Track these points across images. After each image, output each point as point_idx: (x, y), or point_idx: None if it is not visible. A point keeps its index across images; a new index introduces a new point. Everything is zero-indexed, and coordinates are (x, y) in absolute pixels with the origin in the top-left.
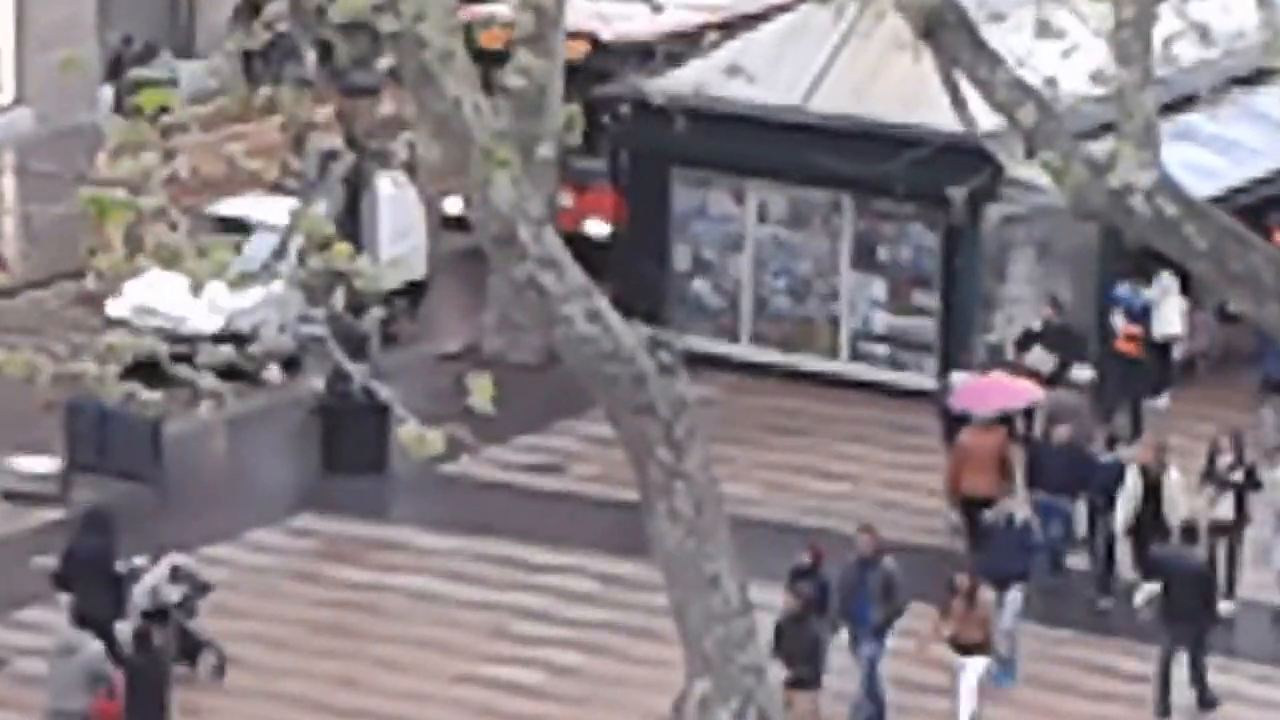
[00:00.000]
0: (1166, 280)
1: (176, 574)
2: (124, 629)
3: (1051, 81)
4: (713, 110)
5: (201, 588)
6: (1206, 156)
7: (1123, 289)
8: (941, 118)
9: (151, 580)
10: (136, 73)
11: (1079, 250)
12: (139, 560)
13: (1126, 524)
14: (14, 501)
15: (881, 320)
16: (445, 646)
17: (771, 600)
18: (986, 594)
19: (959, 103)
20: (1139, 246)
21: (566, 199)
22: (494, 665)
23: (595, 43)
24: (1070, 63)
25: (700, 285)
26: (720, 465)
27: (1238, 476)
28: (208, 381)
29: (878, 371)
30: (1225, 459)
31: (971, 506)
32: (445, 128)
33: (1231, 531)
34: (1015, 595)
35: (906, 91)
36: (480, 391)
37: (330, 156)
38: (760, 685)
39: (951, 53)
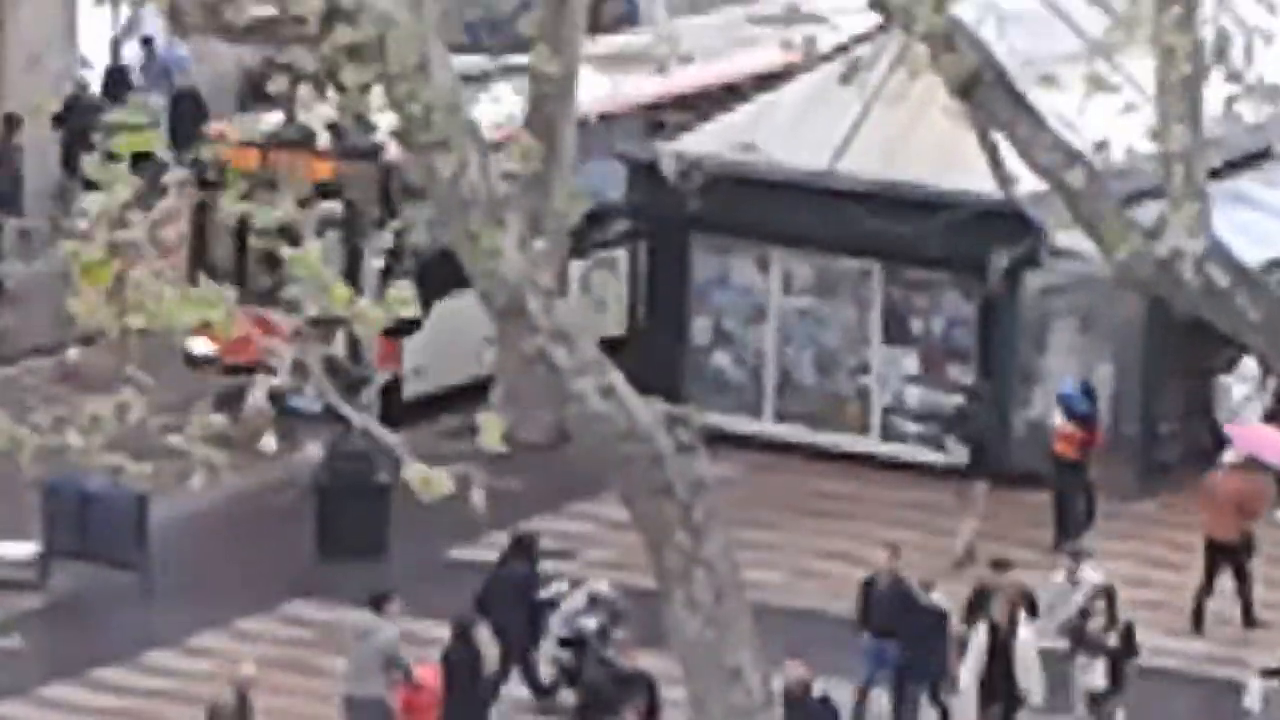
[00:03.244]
0: (1252, 367)
1: (595, 602)
2: (547, 652)
3: (1101, 145)
4: (734, 173)
5: (619, 615)
6: (1260, 220)
7: (1068, 386)
8: (978, 181)
9: (570, 608)
10: (116, 115)
11: (1124, 323)
12: (559, 587)
13: (973, 688)
14: None
15: (914, 396)
16: None
17: None
18: None
19: (997, 165)
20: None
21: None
22: None
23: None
24: (1120, 123)
25: (721, 358)
26: (742, 550)
27: (1112, 641)
28: (200, 451)
29: (911, 450)
30: (1097, 621)
31: (1213, 552)
32: (451, 194)
33: (1102, 704)
34: None
35: (941, 153)
36: (489, 430)
37: (329, 222)
38: None
39: (990, 112)
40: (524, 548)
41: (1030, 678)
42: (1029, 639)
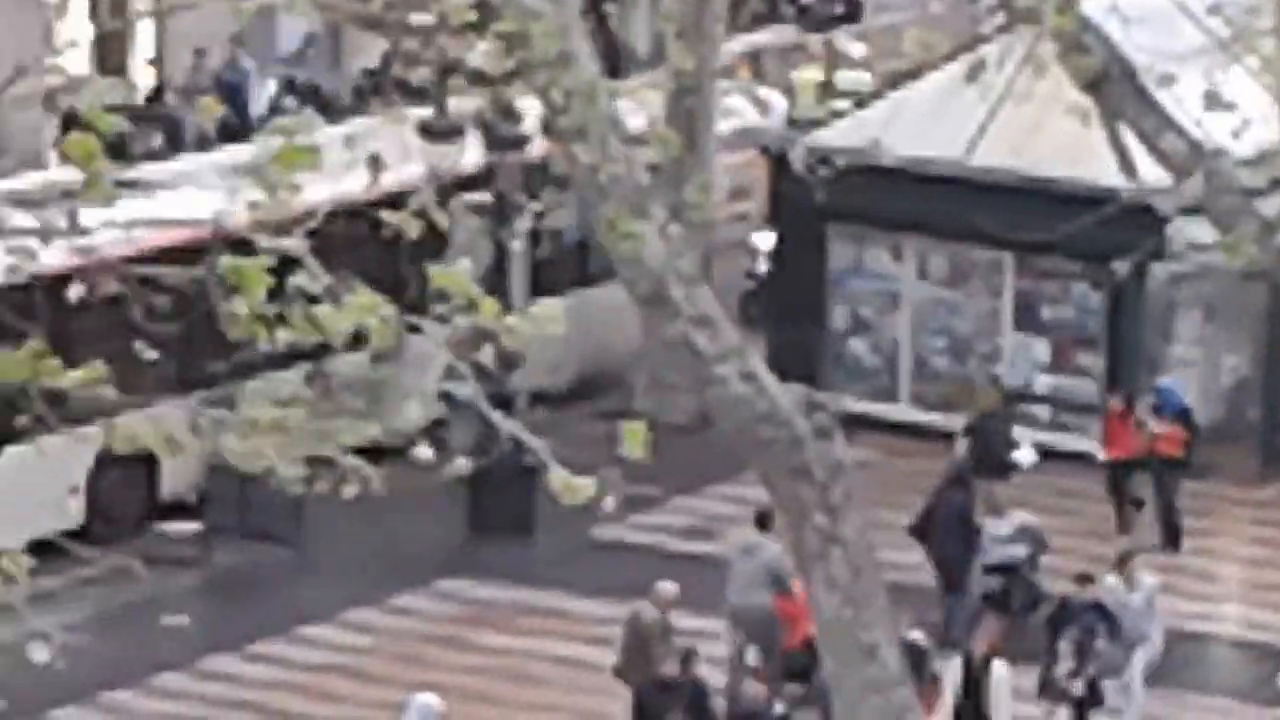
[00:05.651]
0: None
1: (1022, 531)
2: (980, 580)
3: (1220, 153)
4: (868, 166)
5: (1043, 544)
6: None
7: (1166, 381)
8: (1107, 173)
9: (997, 536)
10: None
11: (1249, 311)
12: (992, 518)
13: None
14: (153, 565)
15: (1043, 381)
16: (596, 716)
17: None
18: None
19: (1124, 158)
20: None
21: None
22: None
23: None
24: (1240, 121)
25: (857, 344)
26: (877, 531)
27: (1078, 689)
28: (351, 461)
29: (1039, 434)
30: (1064, 665)
31: None
32: (592, 182)
33: None
34: None
35: (1071, 145)
36: (630, 439)
37: (478, 211)
38: None
39: (1116, 106)
40: (961, 478)
41: (1001, 717)
42: (1003, 676)
